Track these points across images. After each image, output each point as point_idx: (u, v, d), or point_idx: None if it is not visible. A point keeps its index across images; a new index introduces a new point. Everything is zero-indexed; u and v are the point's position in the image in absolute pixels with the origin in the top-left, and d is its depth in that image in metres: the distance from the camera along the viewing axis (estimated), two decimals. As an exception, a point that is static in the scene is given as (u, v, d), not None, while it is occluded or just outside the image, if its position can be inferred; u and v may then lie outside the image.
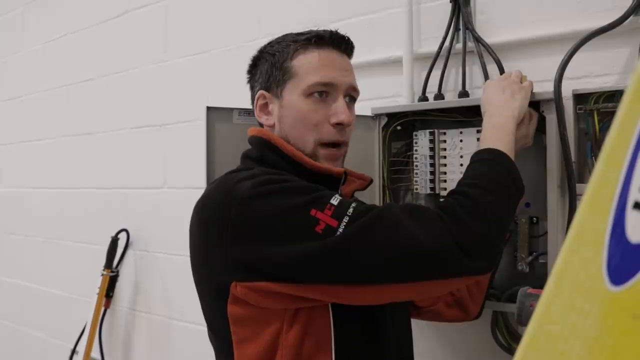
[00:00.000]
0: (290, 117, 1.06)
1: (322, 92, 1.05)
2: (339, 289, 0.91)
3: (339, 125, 1.05)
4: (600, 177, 0.38)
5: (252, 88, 1.15)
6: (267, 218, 0.91)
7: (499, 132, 1.06)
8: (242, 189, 0.92)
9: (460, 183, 0.98)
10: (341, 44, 1.09)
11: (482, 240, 0.90)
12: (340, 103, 1.05)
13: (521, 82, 1.17)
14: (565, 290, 0.38)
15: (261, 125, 1.13)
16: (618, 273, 0.36)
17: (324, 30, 1.08)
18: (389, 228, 0.88)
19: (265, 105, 1.10)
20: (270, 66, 1.08)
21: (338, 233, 0.87)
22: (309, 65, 1.05)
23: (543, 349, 0.39)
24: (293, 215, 0.90)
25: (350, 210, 0.89)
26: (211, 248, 0.97)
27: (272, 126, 1.09)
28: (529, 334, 0.40)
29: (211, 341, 1.08)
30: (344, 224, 0.88)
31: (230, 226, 0.92)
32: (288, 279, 0.91)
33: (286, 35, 1.11)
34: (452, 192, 0.96)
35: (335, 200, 0.90)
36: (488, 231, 0.91)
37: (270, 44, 1.12)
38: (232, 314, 0.97)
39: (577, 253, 0.38)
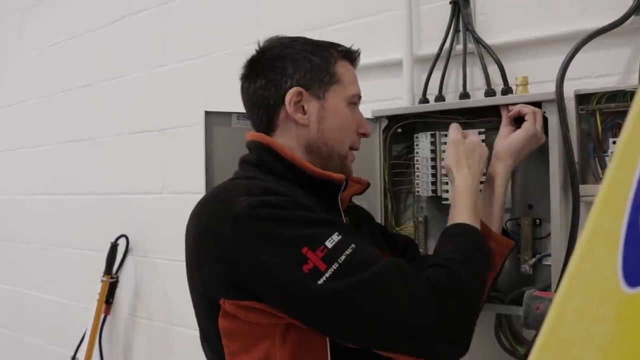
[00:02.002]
0: (335, 121, 1.07)
1: (355, 103, 1.12)
2: (315, 330, 0.91)
3: (362, 135, 1.13)
4: (613, 177, 0.37)
5: (270, 80, 1.06)
6: (256, 242, 0.89)
7: (466, 199, 1.08)
8: (238, 207, 0.90)
9: (448, 257, 0.95)
10: (357, 62, 1.16)
11: (467, 328, 0.91)
12: (363, 116, 1.14)
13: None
14: (579, 294, 0.37)
15: (267, 123, 1.09)
16: (634, 275, 0.35)
17: (350, 48, 1.14)
18: (376, 299, 0.86)
19: (299, 102, 1.06)
20: (314, 66, 1.06)
21: (323, 279, 0.85)
22: (350, 76, 1.11)
23: (556, 355, 0.38)
24: (283, 247, 0.88)
25: (343, 257, 0.87)
26: (203, 261, 0.96)
27: (306, 126, 1.06)
28: (541, 339, 0.38)
29: (204, 351, 1.07)
30: (332, 270, 0.85)
31: (221, 243, 0.91)
32: (271, 302, 0.90)
33: (309, 39, 1.12)
34: (442, 265, 0.92)
35: (330, 243, 0.87)
36: (472, 318, 0.93)
37: (297, 42, 1.09)
38: (223, 327, 0.96)
39: (591, 256, 0.37)
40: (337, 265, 0.86)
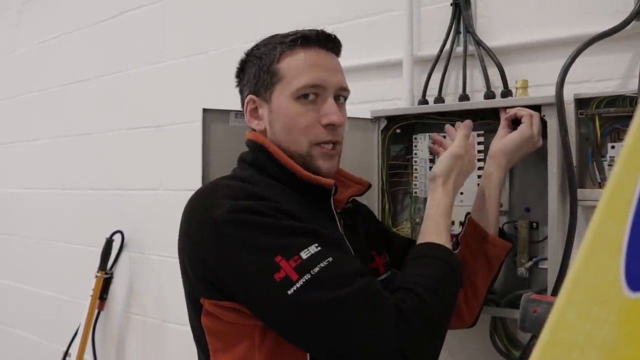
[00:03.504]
0: (281, 121, 1.03)
1: (311, 94, 1.02)
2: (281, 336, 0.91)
3: (330, 126, 1.02)
4: (618, 180, 0.36)
5: (241, 92, 1.11)
6: (232, 247, 0.89)
7: (445, 217, 1.05)
8: (219, 211, 0.90)
9: (420, 283, 0.91)
10: (328, 42, 1.05)
11: (431, 353, 0.91)
12: (330, 104, 1.02)
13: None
14: (581, 297, 0.37)
15: (254, 129, 1.11)
16: (637, 279, 0.34)
17: (309, 30, 1.04)
18: (341, 321, 0.85)
19: (255, 109, 1.07)
20: (257, 70, 1.05)
21: (294, 289, 0.84)
22: (296, 68, 1.02)
23: (557, 357, 0.37)
24: (257, 254, 0.87)
25: (317, 269, 0.85)
26: (187, 260, 0.97)
27: (264, 131, 1.06)
28: (542, 341, 0.38)
29: (195, 344, 1.07)
30: (303, 281, 0.85)
31: (201, 245, 0.93)
32: (245, 304, 0.91)
33: (273, 36, 1.08)
34: (413, 291, 0.89)
35: (305, 254, 0.86)
36: (436, 347, 0.92)
37: (257, 46, 1.09)
38: (205, 325, 0.97)
39: (594, 258, 0.37)
40: (309, 277, 0.85)
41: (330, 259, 0.87)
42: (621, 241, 0.35)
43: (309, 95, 1.01)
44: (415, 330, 0.85)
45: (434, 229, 1.03)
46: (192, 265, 0.95)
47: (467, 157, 1.11)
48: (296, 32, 1.04)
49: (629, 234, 0.35)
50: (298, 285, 0.84)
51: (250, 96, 1.07)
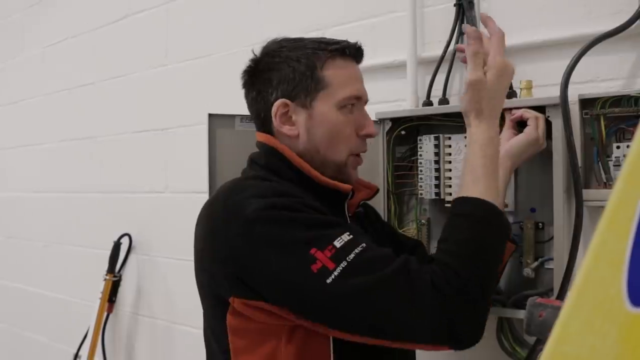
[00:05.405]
0: (323, 129, 1.03)
1: (350, 104, 1.05)
2: (324, 327, 0.91)
3: (367, 137, 1.08)
4: (621, 194, 0.37)
5: (259, 93, 1.07)
6: (266, 245, 0.90)
7: (485, 156, 0.97)
8: (248, 209, 0.91)
9: (453, 252, 0.90)
10: (359, 55, 1.09)
11: (474, 325, 0.89)
12: (367, 115, 1.08)
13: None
14: (584, 310, 0.37)
15: (265, 131, 1.09)
16: (639, 294, 0.35)
17: (342, 41, 1.07)
18: (382, 303, 0.86)
19: (286, 114, 1.04)
20: (298, 74, 1.03)
21: (332, 277, 0.86)
22: (342, 77, 1.04)
23: (561, 371, 0.38)
24: (292, 249, 0.89)
25: (352, 255, 0.87)
26: (212, 260, 0.97)
27: (296, 136, 1.04)
28: (546, 354, 0.39)
29: (207, 346, 1.07)
30: (341, 269, 0.86)
31: (231, 244, 0.93)
32: (280, 303, 0.91)
33: (299, 39, 1.07)
34: (447, 264, 0.88)
35: (339, 243, 0.88)
36: (480, 315, 0.89)
37: (285, 48, 1.06)
38: (230, 324, 0.97)
39: (597, 272, 0.37)
40: (345, 264, 0.86)
41: (364, 244, 0.89)
42: (623, 257, 0.36)
43: (348, 105, 1.05)
44: (455, 304, 0.85)
45: (470, 177, 0.96)
46: (220, 265, 0.95)
47: (488, 75, 0.97)
48: (332, 41, 1.07)
49: (630, 249, 0.35)
50: (336, 273, 0.86)
51: (282, 100, 1.04)
